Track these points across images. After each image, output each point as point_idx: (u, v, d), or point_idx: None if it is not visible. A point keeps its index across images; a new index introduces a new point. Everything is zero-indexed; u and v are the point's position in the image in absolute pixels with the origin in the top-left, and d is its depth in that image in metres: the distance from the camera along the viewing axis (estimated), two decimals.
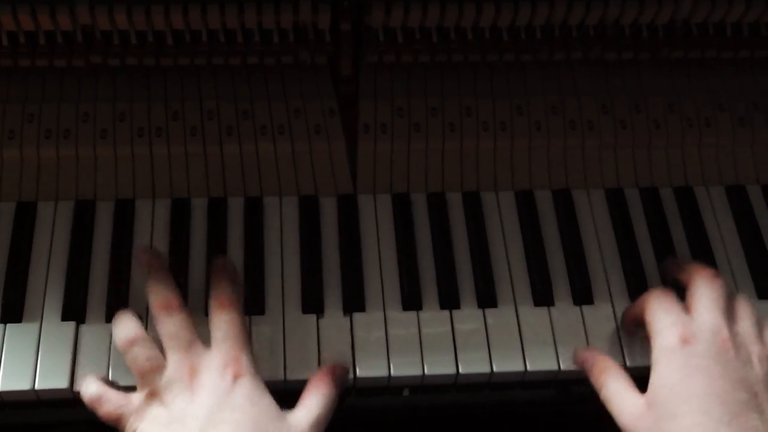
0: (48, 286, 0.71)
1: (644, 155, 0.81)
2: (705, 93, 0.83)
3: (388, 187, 0.78)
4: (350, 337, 0.70)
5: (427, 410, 0.73)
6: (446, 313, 0.72)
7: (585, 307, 0.73)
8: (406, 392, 0.71)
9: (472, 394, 0.72)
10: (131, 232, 0.74)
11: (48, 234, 0.74)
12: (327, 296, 0.72)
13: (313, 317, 0.71)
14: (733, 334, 0.63)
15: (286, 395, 0.69)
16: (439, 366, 0.69)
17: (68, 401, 0.67)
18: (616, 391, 0.64)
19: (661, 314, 0.65)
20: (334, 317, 0.71)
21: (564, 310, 0.73)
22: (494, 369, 0.69)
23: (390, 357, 0.69)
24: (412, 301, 0.72)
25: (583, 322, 0.72)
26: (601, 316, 0.72)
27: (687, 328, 0.63)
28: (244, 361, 0.63)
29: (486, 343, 0.70)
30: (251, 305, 0.71)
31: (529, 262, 0.75)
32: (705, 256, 0.76)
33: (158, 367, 0.63)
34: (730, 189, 0.80)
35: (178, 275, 0.72)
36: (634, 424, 0.62)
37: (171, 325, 0.65)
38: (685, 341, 0.62)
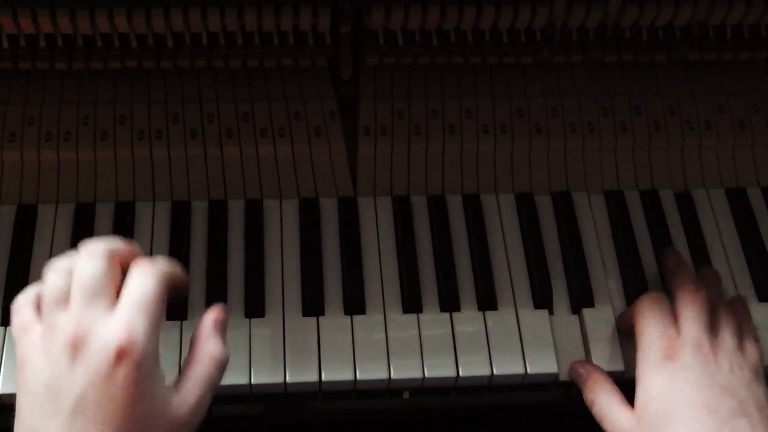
0: None
1: (644, 157, 0.81)
2: (705, 95, 0.83)
3: (388, 190, 0.78)
4: (350, 339, 0.70)
5: (427, 413, 0.73)
6: (446, 315, 0.72)
7: (585, 310, 0.72)
8: (406, 395, 0.71)
9: (472, 396, 0.72)
10: (131, 234, 0.74)
11: (48, 236, 0.74)
12: (327, 298, 0.72)
13: (313, 320, 0.71)
14: (715, 346, 0.64)
15: (286, 398, 0.70)
16: (439, 368, 0.69)
17: None
18: (607, 407, 0.65)
19: (648, 326, 0.66)
20: (334, 319, 0.71)
21: (564, 312, 0.73)
22: (494, 371, 0.69)
23: (390, 359, 0.69)
24: (412, 304, 0.72)
25: (584, 324, 0.72)
26: (602, 319, 0.72)
27: (670, 343, 0.64)
28: (139, 335, 0.55)
29: (486, 345, 0.70)
30: (252, 308, 0.71)
31: (529, 265, 0.75)
32: (705, 258, 0.76)
33: (63, 302, 0.57)
34: (731, 191, 0.80)
35: None
36: None
37: (85, 270, 0.58)
38: (669, 356, 0.64)
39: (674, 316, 0.66)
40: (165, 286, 0.59)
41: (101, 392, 0.54)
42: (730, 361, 0.63)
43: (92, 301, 0.57)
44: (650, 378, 0.63)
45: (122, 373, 0.55)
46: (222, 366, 0.59)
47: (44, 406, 0.55)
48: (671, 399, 0.62)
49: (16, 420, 0.56)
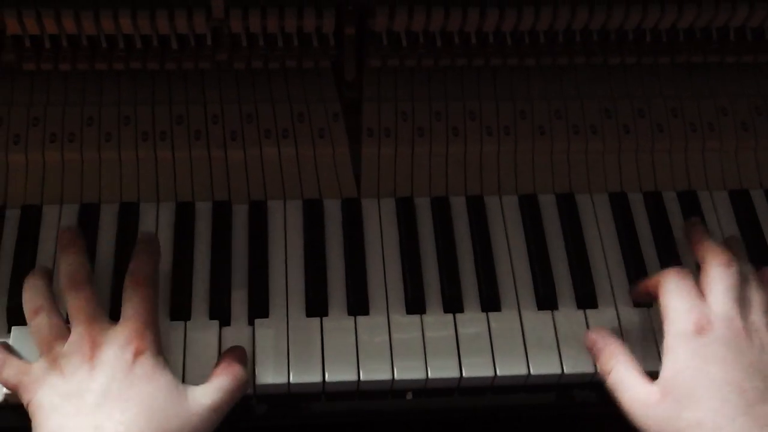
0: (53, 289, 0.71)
1: (647, 159, 0.81)
2: (708, 97, 0.83)
3: (392, 191, 0.79)
4: (354, 340, 0.70)
5: (431, 413, 0.73)
6: (450, 316, 0.72)
7: (588, 311, 0.73)
8: (409, 395, 0.71)
9: (475, 397, 0.72)
10: (135, 235, 0.74)
11: (53, 237, 0.74)
12: (331, 299, 0.72)
13: (317, 320, 0.71)
14: (747, 323, 0.63)
15: (289, 399, 0.70)
16: (442, 369, 0.69)
17: None
18: (625, 377, 0.64)
19: (676, 299, 0.64)
20: (338, 320, 0.71)
21: (567, 314, 0.73)
22: (497, 373, 0.69)
23: (393, 360, 0.69)
24: (415, 305, 0.72)
25: (587, 326, 0.72)
26: (605, 321, 0.72)
27: (702, 315, 0.63)
28: (148, 337, 0.63)
29: (489, 346, 0.70)
30: (255, 308, 0.71)
31: (532, 266, 0.75)
32: None
33: (60, 337, 0.64)
34: (734, 193, 0.80)
35: (181, 279, 0.72)
36: (647, 412, 0.61)
37: (77, 299, 0.65)
38: (701, 329, 0.62)
39: (701, 288, 0.65)
40: (156, 285, 0.67)
41: (123, 384, 0.61)
42: (761, 340, 0.62)
43: (93, 323, 0.64)
44: (679, 350, 0.62)
45: (141, 366, 0.62)
46: (242, 386, 0.65)
47: (63, 410, 0.60)
48: (700, 374, 0.60)
49: None
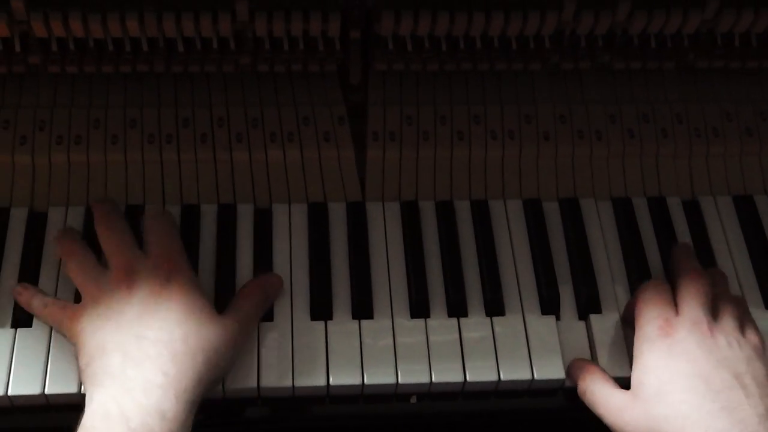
0: (59, 290, 0.72)
1: (652, 164, 0.81)
2: (712, 102, 0.83)
3: (396, 195, 0.79)
4: (358, 344, 0.70)
5: (435, 417, 0.73)
6: (454, 320, 0.72)
7: (592, 316, 0.73)
8: (413, 399, 0.71)
9: (479, 401, 0.72)
10: (141, 238, 0.75)
11: None
12: (335, 303, 0.72)
13: (321, 324, 0.71)
14: (714, 325, 0.65)
15: (293, 402, 0.70)
16: (446, 374, 0.69)
17: (76, 405, 0.67)
18: (600, 392, 0.66)
19: (646, 308, 0.66)
20: (342, 324, 0.71)
21: (571, 318, 0.73)
22: (501, 377, 0.69)
23: (398, 364, 0.69)
24: (420, 309, 0.72)
25: (591, 330, 0.72)
26: (609, 325, 0.72)
27: (668, 320, 0.65)
28: (178, 260, 0.68)
29: (493, 351, 0.70)
30: None
31: (536, 271, 0.75)
32: (712, 265, 0.77)
33: (97, 272, 0.68)
34: (738, 198, 0.80)
35: None
36: (622, 416, 0.63)
37: (110, 234, 0.70)
38: (666, 333, 0.64)
39: (675, 302, 0.67)
40: (175, 227, 0.72)
41: (160, 298, 0.65)
42: (728, 339, 0.64)
43: (126, 253, 0.68)
44: (647, 353, 0.64)
45: (176, 282, 0.66)
46: (264, 305, 0.70)
47: (105, 328, 0.64)
48: (666, 371, 0.62)
49: (79, 358, 0.65)
